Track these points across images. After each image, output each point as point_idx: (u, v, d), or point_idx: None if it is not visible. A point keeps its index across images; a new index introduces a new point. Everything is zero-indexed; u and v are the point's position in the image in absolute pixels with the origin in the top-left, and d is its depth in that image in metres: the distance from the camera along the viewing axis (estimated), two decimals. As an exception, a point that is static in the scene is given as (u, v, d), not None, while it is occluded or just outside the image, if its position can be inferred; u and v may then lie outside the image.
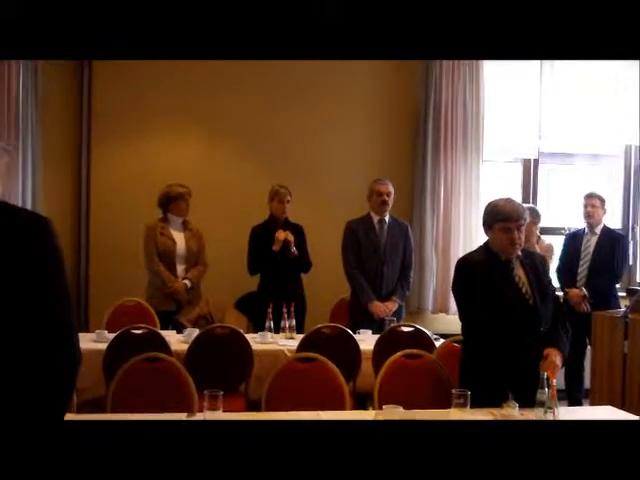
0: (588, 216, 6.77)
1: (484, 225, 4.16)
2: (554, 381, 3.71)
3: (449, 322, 7.03)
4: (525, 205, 6.99)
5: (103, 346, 5.08)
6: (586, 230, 6.81)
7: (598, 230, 6.76)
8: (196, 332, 5.43)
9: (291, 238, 6.34)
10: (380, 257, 6.36)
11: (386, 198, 6.36)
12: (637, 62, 7.61)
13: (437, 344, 5.34)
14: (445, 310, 7.46)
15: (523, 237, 4.09)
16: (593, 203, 6.75)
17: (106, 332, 5.57)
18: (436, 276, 7.53)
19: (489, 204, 4.16)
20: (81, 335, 5.39)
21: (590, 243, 6.74)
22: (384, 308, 6.26)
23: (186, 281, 6.33)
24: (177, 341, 5.46)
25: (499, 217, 4.04)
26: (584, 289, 6.60)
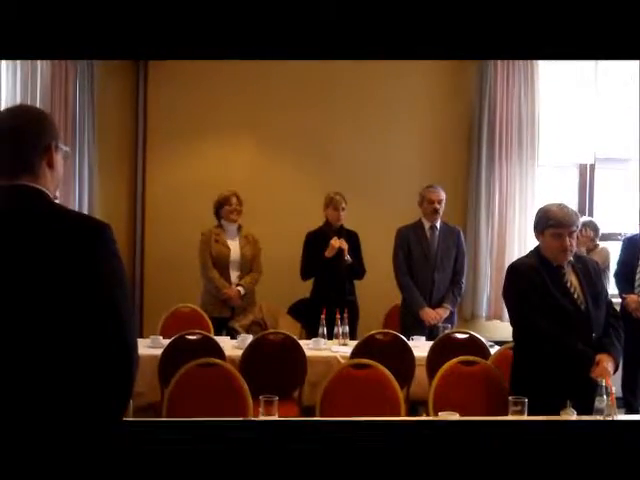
0: (646, 223, 6.66)
1: (535, 230, 4.11)
2: (613, 388, 3.65)
3: (503, 329, 6.93)
4: (584, 218, 6.94)
5: (158, 352, 5.13)
6: (643, 235, 6.69)
7: (656, 235, 6.64)
8: (250, 338, 5.46)
9: (345, 246, 6.33)
10: (431, 263, 6.32)
11: (437, 206, 6.32)
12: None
13: (492, 351, 5.28)
14: (499, 317, 7.38)
15: (575, 244, 4.03)
16: None
17: (161, 338, 5.62)
18: (490, 282, 7.46)
19: (541, 209, 4.11)
20: (137, 340, 5.47)
21: (648, 248, 6.62)
22: (435, 315, 6.22)
23: (239, 288, 6.36)
24: (231, 347, 5.49)
25: (551, 223, 3.98)
26: (643, 295, 6.48)
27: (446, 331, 5.74)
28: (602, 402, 3.55)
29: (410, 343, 5.51)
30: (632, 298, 6.50)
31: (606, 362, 3.85)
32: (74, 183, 6.95)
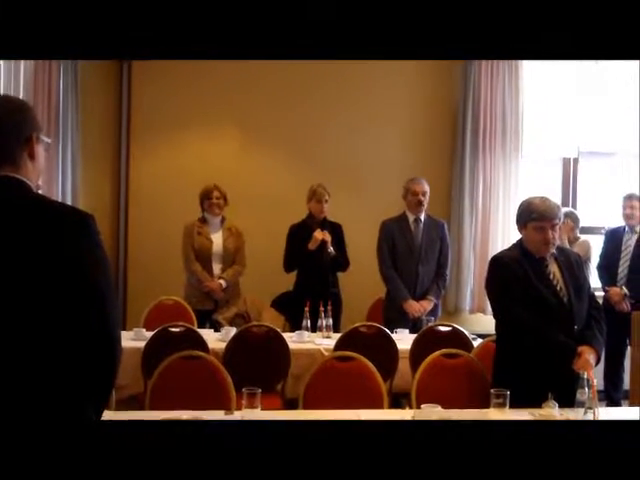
0: (627, 217, 6.69)
1: (518, 223, 4.12)
2: (595, 381, 3.67)
3: (486, 322, 6.96)
4: (564, 209, 6.97)
5: (141, 344, 5.12)
6: (626, 229, 6.73)
7: (638, 229, 6.67)
8: (233, 331, 5.45)
9: (328, 238, 6.32)
10: (415, 256, 6.33)
11: (421, 198, 6.33)
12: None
13: (475, 344, 5.30)
14: (483, 310, 7.41)
15: (557, 236, 4.04)
16: (632, 204, 6.67)
17: (144, 330, 5.62)
18: (474, 275, 7.49)
19: (523, 202, 4.12)
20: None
21: (630, 242, 6.66)
22: (419, 307, 6.23)
23: (221, 281, 6.35)
24: (214, 339, 5.48)
25: (533, 216, 3.99)
26: (624, 288, 6.51)
27: (429, 324, 5.75)
28: (584, 394, 3.56)
29: (393, 336, 5.51)
30: (615, 291, 6.54)
31: (588, 354, 3.86)
32: (57, 174, 6.92)
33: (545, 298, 3.96)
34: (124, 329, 6.13)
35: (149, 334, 5.28)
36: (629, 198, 6.71)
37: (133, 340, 5.39)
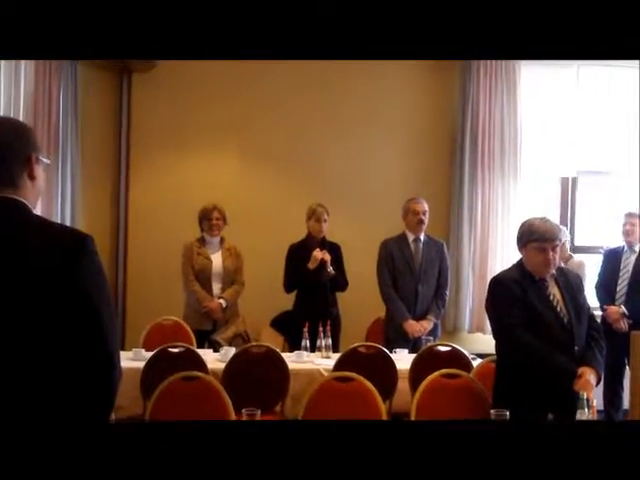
0: (627, 234, 6.70)
1: (518, 243, 4.13)
2: (594, 401, 3.66)
3: (486, 342, 6.94)
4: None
5: (140, 364, 5.11)
6: (625, 248, 6.73)
7: (637, 248, 6.68)
8: (232, 351, 5.44)
9: (328, 258, 6.33)
10: (415, 276, 6.34)
11: (422, 217, 6.35)
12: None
13: (474, 364, 5.30)
14: (482, 330, 7.40)
15: (558, 257, 4.05)
16: (632, 222, 6.69)
17: (143, 350, 5.60)
18: (473, 295, 7.49)
19: (524, 223, 4.14)
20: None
21: (629, 261, 6.66)
22: (419, 327, 6.23)
23: (221, 300, 6.34)
24: (213, 360, 5.48)
25: (534, 237, 4.01)
26: (623, 307, 6.51)
27: (428, 344, 5.74)
28: (583, 415, 3.55)
29: (393, 356, 5.51)
30: (613, 310, 6.54)
31: (588, 375, 3.86)
32: (57, 194, 6.92)
33: (545, 319, 3.97)
34: (123, 349, 6.12)
35: (148, 354, 5.28)
36: (629, 215, 6.73)
37: (132, 360, 5.37)
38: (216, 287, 6.43)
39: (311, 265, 6.30)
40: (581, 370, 3.88)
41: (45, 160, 2.25)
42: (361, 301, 6.73)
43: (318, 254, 6.31)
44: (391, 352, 5.63)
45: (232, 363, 5.16)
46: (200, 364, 4.98)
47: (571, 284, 4.11)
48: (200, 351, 5.52)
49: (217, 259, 6.47)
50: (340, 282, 6.48)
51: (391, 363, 5.33)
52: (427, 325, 6.27)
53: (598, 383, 3.97)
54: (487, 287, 4.20)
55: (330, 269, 6.33)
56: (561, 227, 6.80)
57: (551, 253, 3.98)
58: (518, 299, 3.96)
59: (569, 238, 6.92)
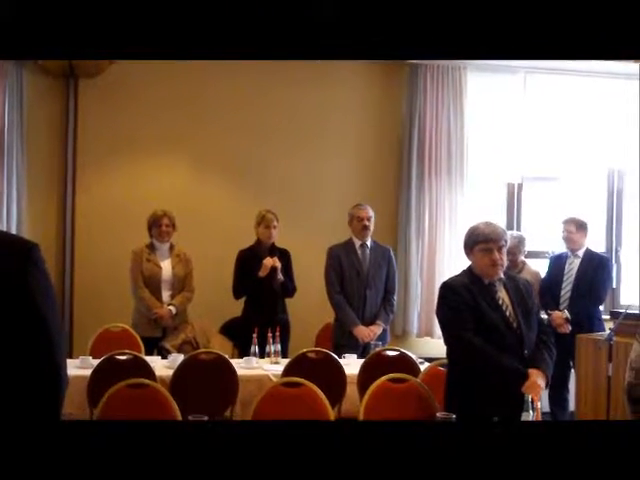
0: (566, 241, 6.83)
1: (465, 249, 4.20)
2: (538, 404, 3.72)
3: (434, 346, 7.03)
4: (512, 233, 7.11)
5: (87, 372, 5.07)
6: (569, 253, 6.85)
7: (581, 253, 6.80)
8: (181, 358, 5.42)
9: (278, 265, 6.35)
10: (363, 281, 6.38)
11: (367, 223, 6.40)
12: (620, 87, 7.75)
13: (422, 368, 5.35)
14: (430, 334, 7.47)
15: (505, 259, 4.12)
16: (569, 229, 6.80)
17: (90, 358, 5.56)
18: (421, 300, 7.54)
19: (469, 228, 4.23)
20: (65, 361, 5.39)
21: (573, 266, 6.78)
22: (368, 332, 6.26)
23: (171, 307, 6.32)
24: (162, 367, 5.45)
25: (479, 239, 4.08)
26: (566, 312, 6.62)
27: (377, 349, 5.78)
28: (527, 417, 3.62)
29: (341, 361, 5.54)
30: (557, 314, 6.65)
31: (536, 377, 3.93)
32: (2, 202, 6.82)
33: (495, 323, 4.02)
34: (70, 357, 6.06)
35: (95, 362, 5.23)
36: (567, 222, 6.85)
37: (79, 368, 5.32)
38: (165, 294, 6.40)
39: (262, 273, 6.31)
40: (530, 372, 3.94)
41: None
42: (310, 307, 6.76)
43: (269, 262, 6.32)
44: (340, 357, 5.66)
45: (180, 370, 5.14)
46: (148, 371, 4.96)
47: (520, 289, 4.18)
48: (148, 358, 5.50)
49: (167, 266, 6.44)
50: (289, 288, 6.50)
51: (339, 368, 5.35)
52: (376, 330, 6.31)
53: (547, 385, 4.04)
54: (437, 292, 4.25)
55: (280, 276, 6.35)
56: (522, 236, 6.95)
57: (497, 254, 4.05)
58: (468, 304, 4.01)
59: (524, 248, 6.99)
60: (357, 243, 6.44)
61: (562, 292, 6.74)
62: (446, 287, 4.18)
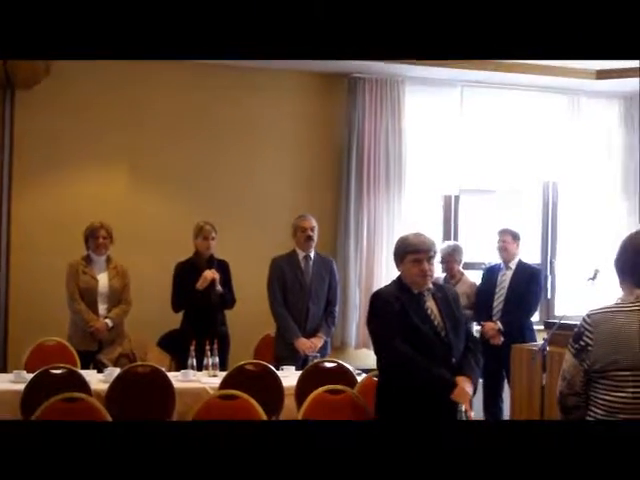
0: (501, 251, 6.94)
1: (395, 259, 4.27)
2: (471, 413, 3.78)
3: (372, 357, 7.01)
4: (448, 242, 7.22)
5: (21, 387, 5.00)
6: (502, 265, 6.96)
7: (513, 265, 6.91)
8: (117, 371, 5.37)
9: (217, 277, 6.33)
10: (306, 293, 6.39)
11: (310, 233, 6.42)
12: (555, 101, 7.93)
13: (359, 379, 5.38)
14: (367, 345, 7.48)
15: (433, 269, 4.19)
16: (505, 239, 6.92)
17: (25, 372, 5.47)
18: (359, 311, 7.57)
19: (399, 239, 4.31)
20: (-1, 376, 5.34)
21: (505, 277, 6.89)
22: (310, 344, 6.28)
23: (107, 320, 6.26)
24: (97, 381, 5.39)
25: (409, 249, 4.15)
26: (499, 323, 6.72)
27: (315, 360, 5.80)
28: (460, 425, 3.67)
29: (280, 373, 5.56)
30: (489, 325, 6.74)
31: (464, 383, 4.00)
32: None
33: (423, 332, 4.08)
34: (4, 371, 5.99)
35: (29, 376, 5.16)
36: (502, 232, 6.96)
37: (12, 383, 5.25)
38: (102, 307, 6.34)
39: (200, 285, 6.29)
40: (457, 379, 4.01)
41: None
42: (250, 318, 6.74)
43: (208, 274, 6.30)
44: (279, 369, 5.66)
45: (116, 383, 5.10)
46: (82, 385, 4.91)
47: (448, 299, 4.25)
48: (84, 372, 5.44)
49: (103, 278, 6.37)
50: (228, 299, 6.49)
51: (277, 380, 5.36)
52: (318, 342, 6.33)
53: (475, 392, 4.11)
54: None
55: (219, 287, 6.34)
56: (459, 246, 7.05)
57: (426, 264, 4.13)
58: (397, 313, 4.07)
59: (461, 258, 7.09)
60: (300, 255, 6.46)
61: (495, 303, 6.84)
62: (375, 296, 4.25)
